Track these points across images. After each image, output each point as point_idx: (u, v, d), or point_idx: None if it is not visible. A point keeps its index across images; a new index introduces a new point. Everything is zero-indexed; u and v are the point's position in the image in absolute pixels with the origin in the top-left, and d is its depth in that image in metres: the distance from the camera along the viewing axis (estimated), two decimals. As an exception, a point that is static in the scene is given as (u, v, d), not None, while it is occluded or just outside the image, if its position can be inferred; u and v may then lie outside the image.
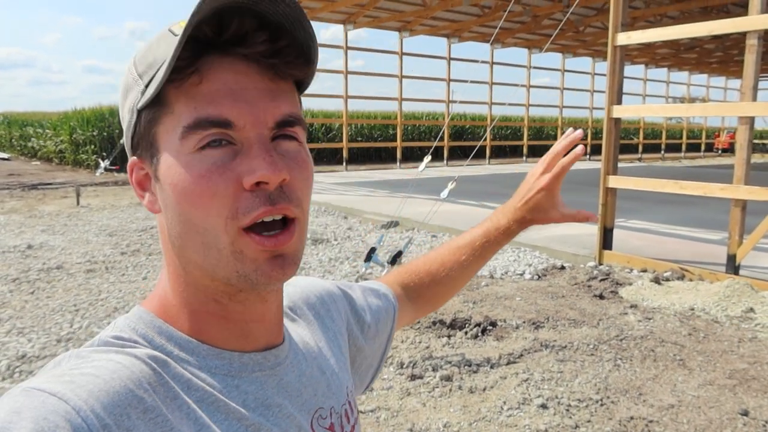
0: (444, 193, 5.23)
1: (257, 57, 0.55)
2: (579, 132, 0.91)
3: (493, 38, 11.82)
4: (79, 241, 7.61)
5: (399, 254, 5.41)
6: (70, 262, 6.38)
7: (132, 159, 0.58)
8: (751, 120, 5.21)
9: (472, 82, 20.94)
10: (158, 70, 0.54)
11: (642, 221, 8.88)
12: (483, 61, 21.53)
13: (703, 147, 33.68)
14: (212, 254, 0.54)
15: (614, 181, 6.39)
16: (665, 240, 7.50)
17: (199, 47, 0.53)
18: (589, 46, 21.86)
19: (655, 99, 29.98)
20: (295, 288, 0.78)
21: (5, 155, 25.85)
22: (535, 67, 23.07)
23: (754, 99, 5.15)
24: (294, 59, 0.56)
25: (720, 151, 33.97)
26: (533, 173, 0.96)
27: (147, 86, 0.54)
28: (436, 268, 0.98)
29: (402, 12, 16.56)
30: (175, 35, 0.54)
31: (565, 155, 0.92)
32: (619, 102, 6.26)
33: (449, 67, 20.70)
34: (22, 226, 8.67)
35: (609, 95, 6.24)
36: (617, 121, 6.34)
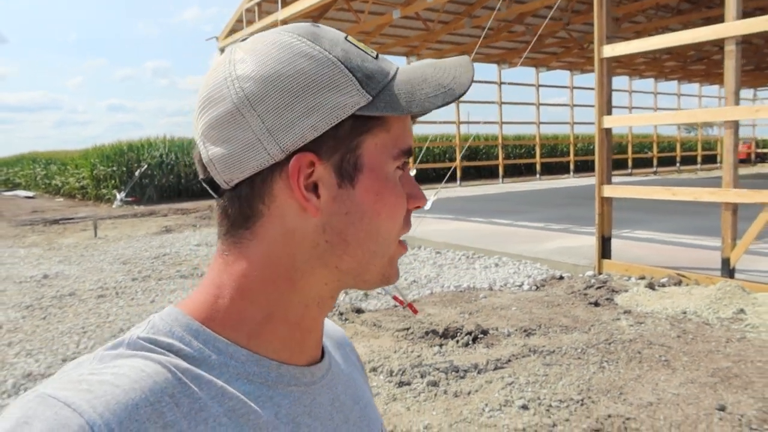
0: (428, 205, 5.37)
1: None
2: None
3: (498, 58, 12.06)
4: (93, 269, 7.87)
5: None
6: (82, 289, 6.62)
7: (305, 155, 0.53)
8: (736, 124, 5.28)
9: (480, 102, 21.15)
10: (387, 82, 0.56)
11: (646, 231, 8.89)
12: (490, 82, 21.78)
13: (719, 158, 33.30)
14: (375, 260, 0.59)
15: (609, 191, 6.48)
16: (666, 248, 7.52)
17: None
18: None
19: (659, 111, 29.84)
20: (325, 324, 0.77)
21: (30, 193, 26.63)
22: (543, 85, 23.19)
23: (737, 103, 5.23)
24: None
25: (738, 162, 33.57)
26: None
27: (376, 96, 0.54)
28: None
29: (407, 37, 16.90)
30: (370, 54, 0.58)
31: None
32: (609, 113, 6.38)
33: (457, 89, 20.89)
34: (41, 258, 8.99)
35: (599, 106, 6.37)
36: (608, 131, 6.45)
